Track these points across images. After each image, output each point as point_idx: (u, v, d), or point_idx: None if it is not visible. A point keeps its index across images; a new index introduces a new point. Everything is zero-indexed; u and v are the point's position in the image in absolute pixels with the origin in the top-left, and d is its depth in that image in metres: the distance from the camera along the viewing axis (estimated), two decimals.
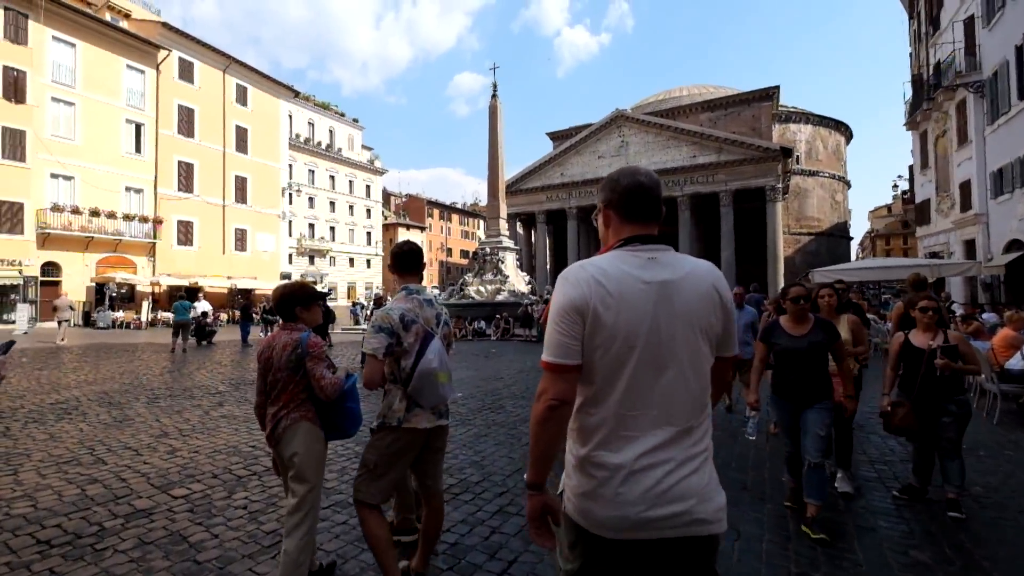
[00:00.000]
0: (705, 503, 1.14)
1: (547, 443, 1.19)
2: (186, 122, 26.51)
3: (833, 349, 3.16)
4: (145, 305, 23.21)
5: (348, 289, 49.75)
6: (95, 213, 22.14)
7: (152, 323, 22.58)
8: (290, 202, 41.35)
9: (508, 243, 22.52)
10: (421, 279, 2.41)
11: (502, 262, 21.30)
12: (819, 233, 44.12)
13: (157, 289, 24.25)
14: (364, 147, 54.37)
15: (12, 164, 19.86)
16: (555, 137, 45.43)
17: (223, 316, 25.11)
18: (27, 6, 20.34)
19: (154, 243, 24.58)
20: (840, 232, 47.00)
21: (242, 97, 29.69)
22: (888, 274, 15.91)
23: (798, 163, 41.81)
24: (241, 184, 29.57)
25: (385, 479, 2.19)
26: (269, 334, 2.50)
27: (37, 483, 3.54)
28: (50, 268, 21.47)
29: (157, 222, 24.65)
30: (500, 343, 16.77)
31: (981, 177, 16.14)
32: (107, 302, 22.13)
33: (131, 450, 4.34)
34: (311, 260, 46.43)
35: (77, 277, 22.12)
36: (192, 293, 26.09)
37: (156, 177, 25.00)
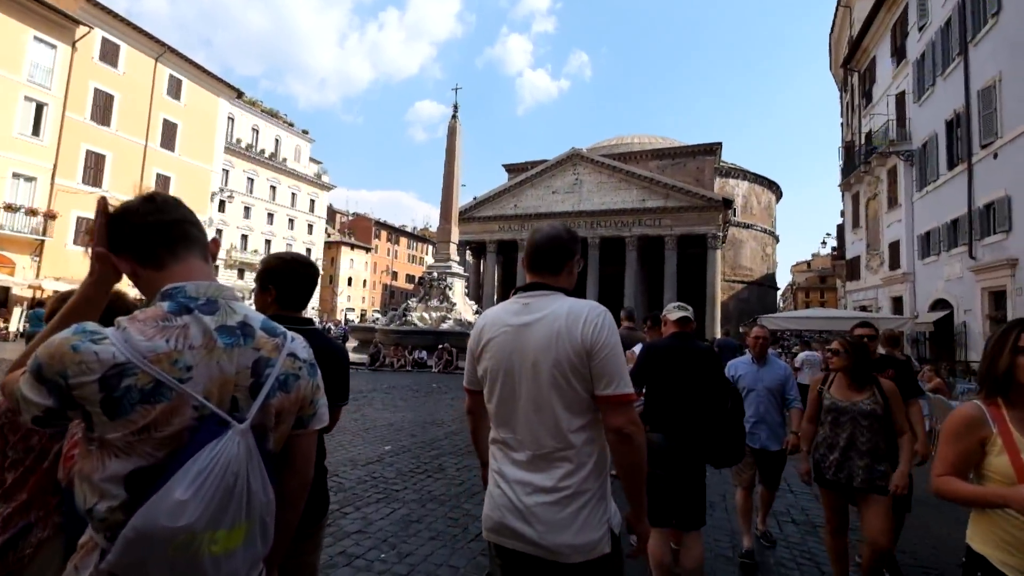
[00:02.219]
0: (555, 534, 1.26)
1: (474, 439, 1.63)
2: (102, 109, 23.59)
3: None
4: (18, 312, 19.65)
5: None
6: None
7: (24, 334, 19.04)
8: (221, 210, 38.07)
9: (457, 269, 21.37)
10: (211, 269, 1.02)
11: (450, 288, 20.06)
12: (751, 282, 46.50)
13: (40, 294, 20.70)
14: (312, 160, 51.90)
15: None
16: (511, 169, 45.56)
17: None
18: None
19: (43, 240, 21.14)
20: (769, 283, 49.93)
21: (175, 90, 27.10)
22: (829, 324, 16.29)
23: (735, 215, 44.27)
24: (163, 183, 26.59)
25: None
26: None
27: None
28: None
29: (50, 216, 21.29)
30: (442, 376, 15.35)
31: (909, 239, 17.13)
32: None
33: None
34: (240, 274, 42.64)
35: None
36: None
37: (56, 165, 21.78)
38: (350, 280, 58.90)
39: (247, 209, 43.16)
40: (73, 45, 22.10)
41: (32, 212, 20.74)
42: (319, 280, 1.65)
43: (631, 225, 35.75)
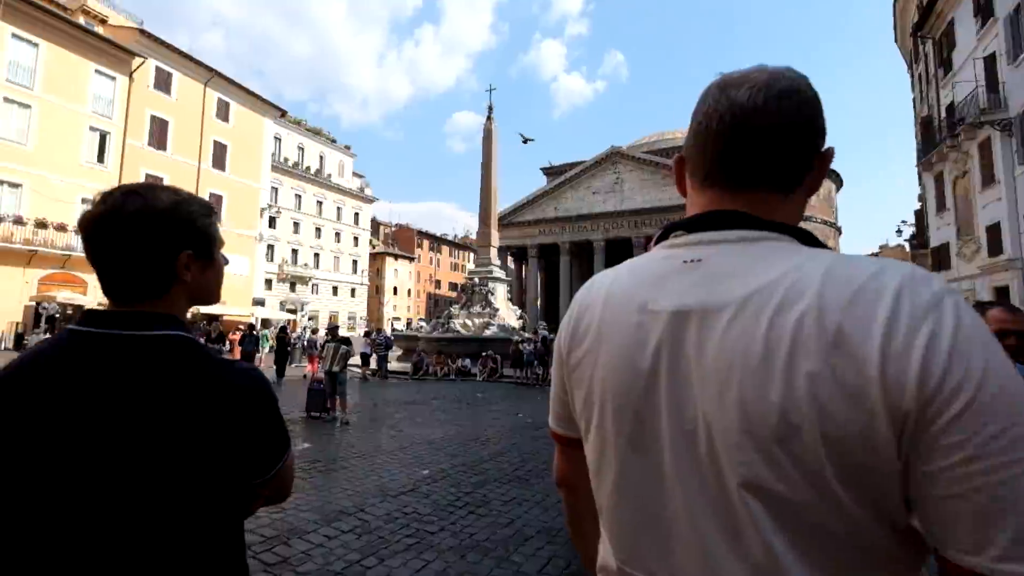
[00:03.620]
0: None
1: (575, 541, 0.77)
2: (158, 134, 24.84)
3: None
4: None
5: (330, 317, 47.50)
6: (42, 224, 19.99)
7: None
8: (272, 225, 39.50)
9: (499, 273, 20.80)
10: None
11: (492, 293, 19.49)
12: None
13: None
14: (355, 174, 53.31)
15: None
16: (549, 173, 44.80)
17: None
18: None
19: None
20: None
21: (223, 112, 28.28)
22: None
23: None
24: (215, 202, 27.70)
25: None
26: None
27: None
28: None
29: None
30: (487, 384, 14.72)
31: (1013, 220, 14.96)
32: (43, 324, 19.68)
33: None
34: (292, 287, 44.17)
35: (15, 295, 19.70)
36: None
37: None
38: (395, 289, 59.94)
39: (296, 224, 44.65)
40: (130, 76, 23.38)
41: None
42: (190, 229, 0.79)
43: None
